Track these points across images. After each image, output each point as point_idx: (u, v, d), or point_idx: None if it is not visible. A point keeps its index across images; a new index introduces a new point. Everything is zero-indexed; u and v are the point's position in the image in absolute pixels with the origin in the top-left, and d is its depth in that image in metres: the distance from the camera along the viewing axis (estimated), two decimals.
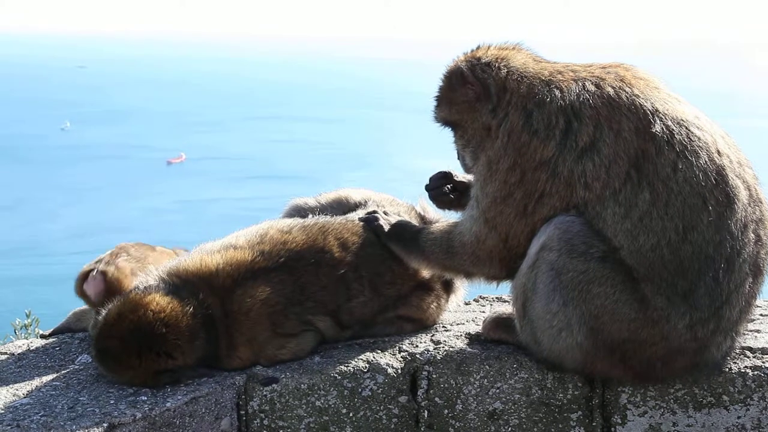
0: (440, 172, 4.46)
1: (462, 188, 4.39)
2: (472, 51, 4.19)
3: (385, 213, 4.39)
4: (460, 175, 4.43)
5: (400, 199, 4.79)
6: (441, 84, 4.23)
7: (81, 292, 4.33)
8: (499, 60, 4.04)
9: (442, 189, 4.39)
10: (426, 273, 4.33)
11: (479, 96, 4.01)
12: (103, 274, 4.29)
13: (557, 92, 3.83)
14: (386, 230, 4.27)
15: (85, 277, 4.33)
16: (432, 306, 4.40)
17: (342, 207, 4.64)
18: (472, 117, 4.05)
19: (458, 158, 4.25)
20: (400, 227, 4.28)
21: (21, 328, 7.76)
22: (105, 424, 3.48)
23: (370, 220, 4.33)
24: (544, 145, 3.78)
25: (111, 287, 4.25)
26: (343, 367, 3.97)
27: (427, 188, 4.44)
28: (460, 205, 4.31)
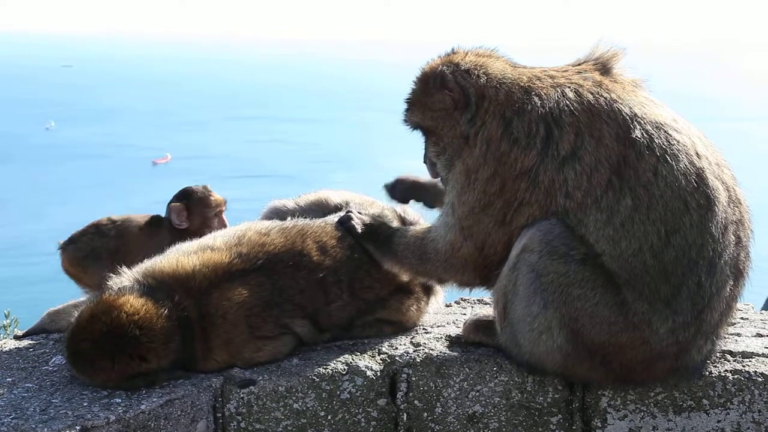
0: (408, 182, 4.52)
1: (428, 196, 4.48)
2: (448, 55, 4.07)
3: (360, 213, 4.34)
4: (423, 178, 4.46)
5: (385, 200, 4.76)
6: (415, 87, 4.10)
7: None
8: (477, 67, 3.93)
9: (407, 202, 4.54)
10: (403, 276, 4.29)
11: (457, 103, 3.91)
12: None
13: (536, 99, 3.76)
14: (359, 230, 4.23)
15: None
16: (412, 309, 4.36)
17: (322, 209, 4.59)
18: (448, 125, 3.95)
19: (424, 161, 4.14)
20: (374, 227, 4.24)
21: None
22: (78, 427, 3.41)
23: (344, 220, 4.28)
24: (524, 153, 3.73)
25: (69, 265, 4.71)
26: (321, 369, 3.93)
27: (393, 198, 4.56)
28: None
